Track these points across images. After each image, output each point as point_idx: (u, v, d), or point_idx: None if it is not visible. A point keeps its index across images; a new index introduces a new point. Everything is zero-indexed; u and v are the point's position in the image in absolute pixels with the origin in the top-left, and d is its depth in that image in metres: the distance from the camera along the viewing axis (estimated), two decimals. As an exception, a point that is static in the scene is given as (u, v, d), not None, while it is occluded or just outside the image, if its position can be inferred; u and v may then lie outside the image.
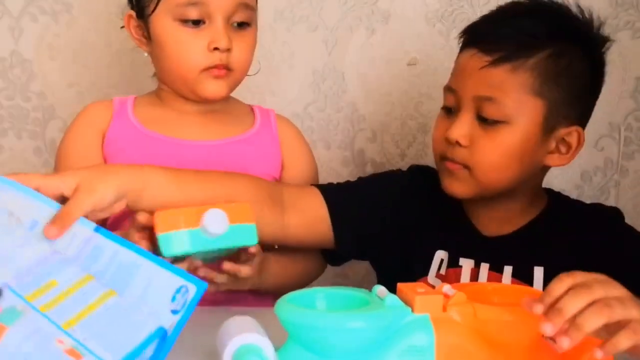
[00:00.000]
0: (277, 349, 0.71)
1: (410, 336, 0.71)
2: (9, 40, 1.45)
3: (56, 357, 0.60)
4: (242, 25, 1.06)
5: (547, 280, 0.89)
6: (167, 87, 1.12)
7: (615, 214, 1.07)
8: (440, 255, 1.05)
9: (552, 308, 0.66)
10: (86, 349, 0.63)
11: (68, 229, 0.75)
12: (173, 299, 0.70)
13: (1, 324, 0.60)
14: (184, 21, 1.03)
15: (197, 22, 1.03)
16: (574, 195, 1.25)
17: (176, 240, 0.83)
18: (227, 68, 1.06)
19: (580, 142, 1.03)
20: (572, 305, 0.65)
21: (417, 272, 1.05)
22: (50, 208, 0.75)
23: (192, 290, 0.70)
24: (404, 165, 1.36)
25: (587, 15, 1.02)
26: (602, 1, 1.43)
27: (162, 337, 0.68)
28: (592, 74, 1.03)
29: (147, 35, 1.08)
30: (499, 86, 0.98)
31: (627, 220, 1.08)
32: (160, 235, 0.82)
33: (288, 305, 0.71)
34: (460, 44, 1.07)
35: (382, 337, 0.70)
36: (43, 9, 1.45)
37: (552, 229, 0.96)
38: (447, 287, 0.74)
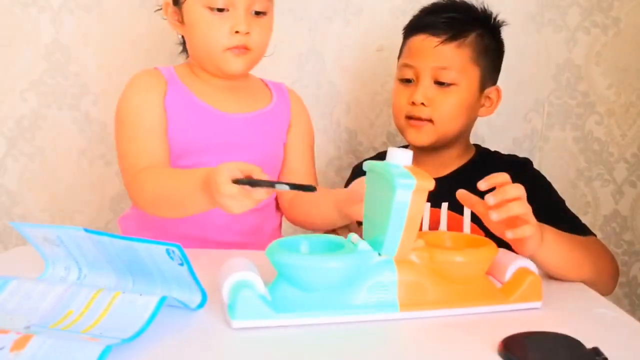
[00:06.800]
0: (267, 284, 0.73)
1: (377, 275, 0.74)
2: (51, 30, 1.51)
3: (76, 341, 0.59)
4: (259, 13, 1.10)
5: (473, 213, 0.92)
6: (197, 64, 1.14)
7: (525, 160, 1.22)
8: None
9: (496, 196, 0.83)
10: (103, 336, 0.63)
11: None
12: (172, 259, 0.70)
13: (28, 334, 0.59)
14: (211, 9, 1.07)
15: (221, 10, 1.07)
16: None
17: None
18: (246, 48, 1.08)
19: (499, 97, 1.22)
20: (508, 194, 0.83)
21: None
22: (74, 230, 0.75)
23: (176, 250, 0.69)
24: (373, 132, 1.53)
25: (487, 9, 1.21)
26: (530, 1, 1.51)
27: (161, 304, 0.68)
28: (499, 48, 1.23)
29: (181, 19, 1.12)
30: (450, 58, 1.15)
31: (548, 176, 1.19)
32: None
33: (277, 249, 0.73)
34: (406, 32, 1.23)
35: (354, 275, 0.73)
36: (78, 3, 1.52)
37: (478, 172, 0.94)
38: (408, 235, 0.76)
